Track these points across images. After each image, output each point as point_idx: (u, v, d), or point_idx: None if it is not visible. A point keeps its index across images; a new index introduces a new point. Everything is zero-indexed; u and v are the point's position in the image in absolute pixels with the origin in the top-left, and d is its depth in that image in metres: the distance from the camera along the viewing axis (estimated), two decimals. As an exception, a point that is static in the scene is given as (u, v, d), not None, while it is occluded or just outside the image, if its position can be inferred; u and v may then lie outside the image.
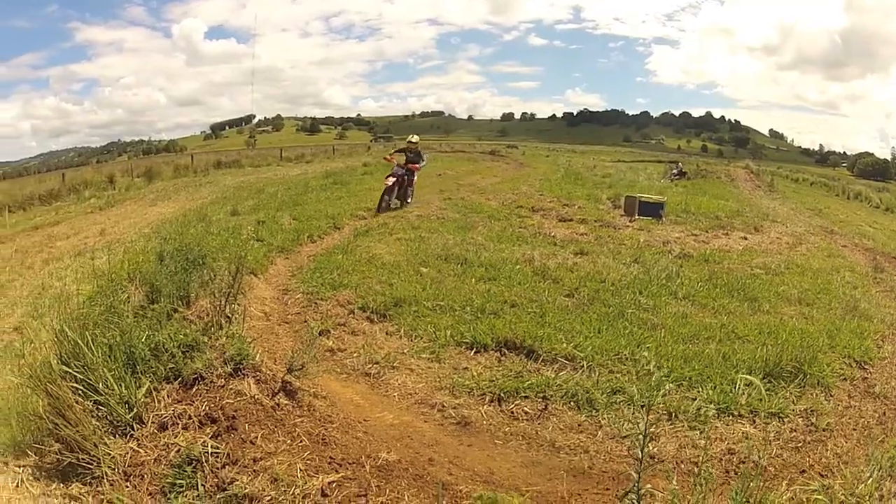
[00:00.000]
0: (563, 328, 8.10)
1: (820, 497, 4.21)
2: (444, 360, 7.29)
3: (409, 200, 18.75)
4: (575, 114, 60.00)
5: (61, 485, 4.68)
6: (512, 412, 6.20)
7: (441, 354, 7.40)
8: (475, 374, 6.94)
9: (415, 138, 19.69)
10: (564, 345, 7.47)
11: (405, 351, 7.55)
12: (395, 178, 18.11)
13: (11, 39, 55.93)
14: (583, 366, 7.05)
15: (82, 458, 4.71)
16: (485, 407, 6.28)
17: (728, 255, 14.07)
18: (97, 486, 4.63)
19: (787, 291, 10.92)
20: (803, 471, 5.23)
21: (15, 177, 41.61)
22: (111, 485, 4.61)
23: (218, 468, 4.66)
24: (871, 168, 52.57)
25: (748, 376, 5.49)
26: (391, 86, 72.27)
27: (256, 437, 4.94)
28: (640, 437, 3.61)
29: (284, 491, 4.40)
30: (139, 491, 4.59)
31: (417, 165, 19.08)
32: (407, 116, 60.87)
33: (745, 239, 16.29)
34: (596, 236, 15.61)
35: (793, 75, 66.01)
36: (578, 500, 4.70)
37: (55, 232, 18.62)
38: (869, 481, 4.27)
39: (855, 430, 6.19)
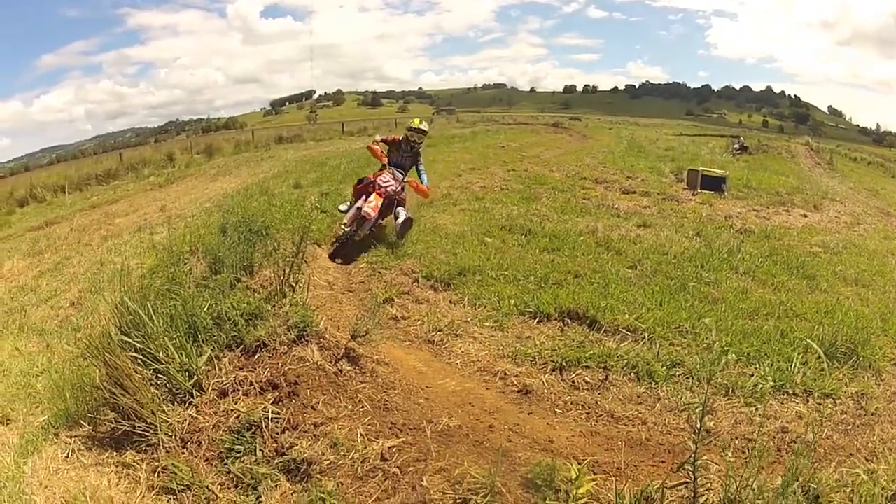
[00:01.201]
0: (625, 299, 8.08)
1: (866, 480, 4.22)
2: (507, 329, 7.28)
3: (401, 219, 10.60)
4: (637, 86, 59.06)
5: (115, 453, 4.84)
6: (573, 381, 6.20)
7: (504, 323, 7.39)
8: (537, 343, 6.93)
9: (425, 125, 11.51)
10: (626, 316, 7.46)
11: (468, 319, 7.55)
12: (382, 199, 10.52)
13: (61, 29, 56.11)
14: (644, 338, 7.02)
15: (138, 427, 4.85)
16: (546, 376, 6.29)
17: (788, 232, 13.73)
18: (152, 454, 4.78)
19: (845, 271, 10.69)
20: (851, 454, 5.18)
21: (70, 159, 41.54)
22: (167, 451, 4.76)
23: (278, 433, 4.78)
24: (922, 150, 51.22)
25: (812, 342, 5.42)
26: (452, 59, 71.66)
27: (318, 403, 5.02)
28: (699, 409, 3.64)
29: (344, 455, 4.50)
30: (196, 457, 4.72)
31: (415, 182, 11.22)
32: (469, 89, 60.02)
33: (805, 216, 15.88)
34: (659, 209, 15.32)
35: (850, 51, 64.22)
36: (634, 470, 4.69)
37: (114, 209, 19.03)
38: None
39: (902, 416, 6.08)
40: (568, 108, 56.68)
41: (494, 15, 64.57)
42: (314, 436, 4.70)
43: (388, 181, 10.72)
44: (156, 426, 4.85)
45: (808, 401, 6.03)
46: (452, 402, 5.49)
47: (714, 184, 18.29)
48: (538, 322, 7.53)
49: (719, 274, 9.83)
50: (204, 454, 4.72)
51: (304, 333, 5.73)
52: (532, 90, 60.16)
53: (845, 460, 4.99)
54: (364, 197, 10.54)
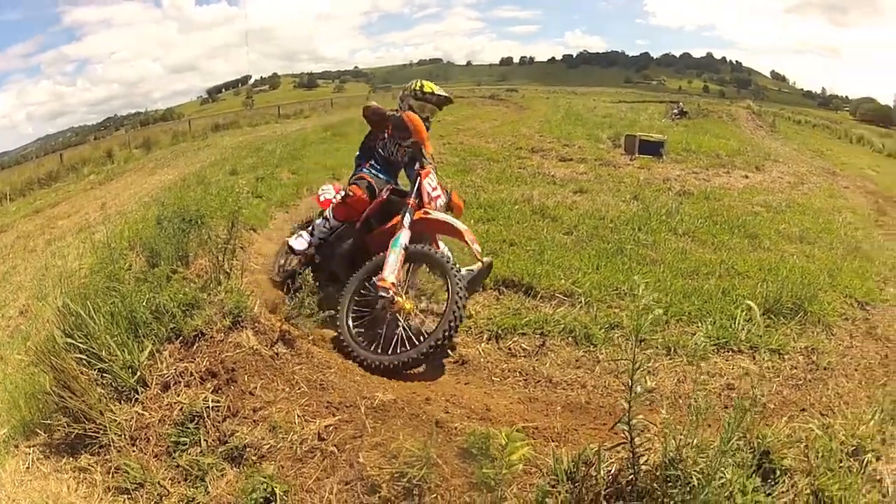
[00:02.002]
0: (561, 265, 8.08)
1: (821, 435, 4.16)
2: (443, 302, 7.09)
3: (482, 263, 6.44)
4: (574, 56, 59.63)
5: (71, 458, 4.74)
6: (510, 349, 6.27)
7: (440, 296, 7.10)
8: (473, 312, 6.93)
9: (443, 91, 7.24)
10: (562, 281, 7.47)
11: None
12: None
13: (3, 33, 55.29)
14: (581, 302, 7.06)
15: (89, 428, 4.76)
16: (483, 345, 6.34)
17: (729, 193, 13.95)
18: (105, 455, 4.68)
19: (788, 230, 10.90)
20: (804, 409, 5.22)
21: (13, 165, 41.11)
22: (118, 451, 4.66)
23: (219, 422, 4.70)
24: (872, 113, 52.44)
25: (749, 302, 5.41)
26: (388, 36, 71.40)
27: (256, 388, 4.94)
28: (631, 366, 3.54)
29: (283, 438, 4.43)
30: (145, 454, 4.63)
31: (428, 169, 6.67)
32: (405, 65, 60.14)
33: (747, 178, 16.22)
34: (596, 175, 15.50)
35: (796, 18, 65.53)
36: (574, 434, 4.66)
37: (56, 212, 18.65)
38: (871, 423, 4.18)
39: (857, 370, 6.17)
40: (505, 81, 56.98)
41: None
42: (254, 421, 4.64)
43: (437, 190, 6.64)
44: (105, 426, 4.77)
45: (754, 357, 6.08)
46: (388, 378, 5.46)
47: (652, 148, 18.53)
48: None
49: (658, 236, 9.93)
50: (153, 450, 4.65)
51: (240, 319, 5.59)
52: (468, 63, 60.38)
53: (797, 415, 5.00)
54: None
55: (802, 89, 57.27)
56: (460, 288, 5.67)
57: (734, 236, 10.32)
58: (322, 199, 7.70)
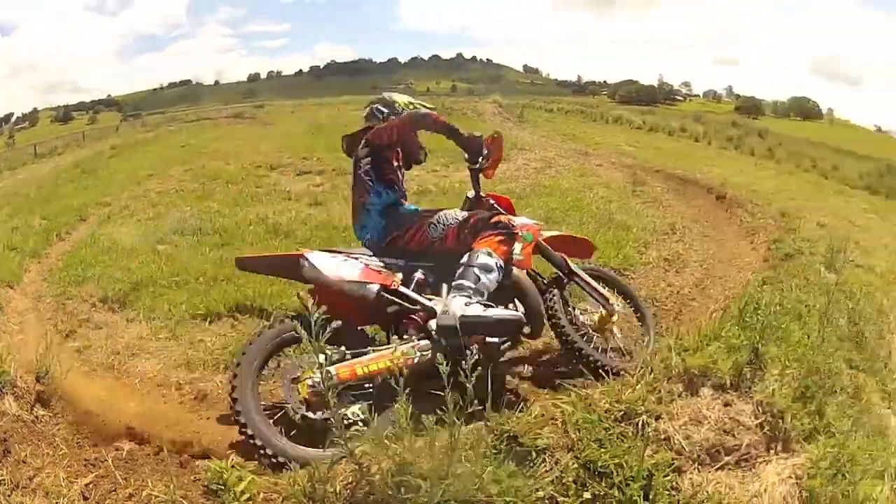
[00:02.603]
0: (293, 282, 7.86)
1: (572, 410, 4.10)
2: (180, 337, 7.27)
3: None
4: (322, 67, 60.22)
5: None
6: None
7: (177, 332, 7.38)
8: (209, 345, 6.96)
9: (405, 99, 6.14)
10: (294, 299, 7.25)
11: (144, 335, 7.43)
12: None
13: None
14: None
15: None
16: (219, 377, 6.22)
17: (468, 186, 14.14)
18: None
19: (533, 213, 11.01)
20: (560, 384, 5.22)
21: None
22: None
23: (8, 495, 4.33)
24: (635, 94, 56.06)
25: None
26: (142, 59, 70.56)
27: (27, 455, 4.66)
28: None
29: (55, 502, 4.24)
30: None
31: None
32: (155, 90, 59.31)
33: (490, 169, 16.74)
34: (332, 185, 16.06)
35: (559, 13, 69.41)
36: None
37: None
38: (637, 386, 4.25)
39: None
40: (253, 97, 57.16)
41: (185, 8, 64.04)
42: (32, 490, 4.38)
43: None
44: None
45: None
46: (136, 425, 5.27)
47: None
48: (209, 323, 7.60)
49: None
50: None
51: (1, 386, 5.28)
52: (216, 83, 60.23)
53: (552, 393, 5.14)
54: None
55: (556, 79, 60.26)
56: None
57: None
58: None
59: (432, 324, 4.81)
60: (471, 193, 6.11)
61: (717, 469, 3.92)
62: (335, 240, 10.12)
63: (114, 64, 64.79)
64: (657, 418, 4.03)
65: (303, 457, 4.19)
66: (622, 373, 4.79)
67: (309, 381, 4.48)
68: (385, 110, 5.92)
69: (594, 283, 6.10)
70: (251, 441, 4.39)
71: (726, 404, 4.30)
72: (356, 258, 5.15)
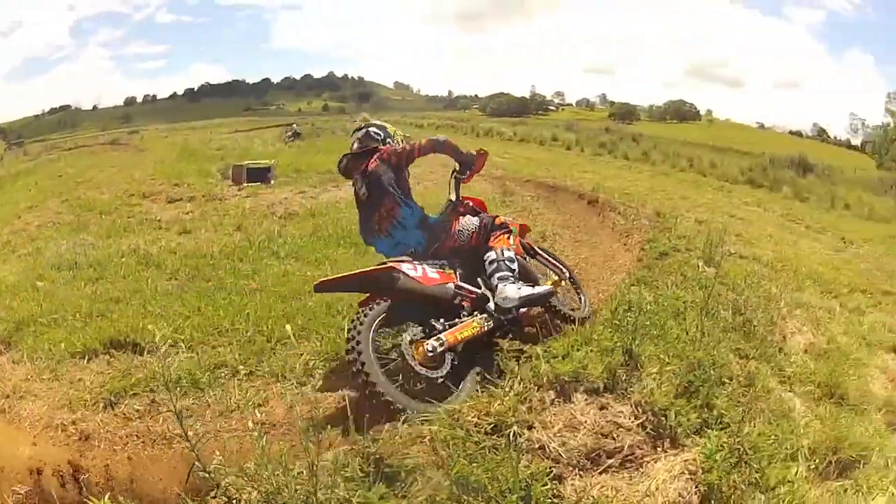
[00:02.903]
0: (164, 314, 8.12)
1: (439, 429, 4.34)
2: (62, 377, 6.98)
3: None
4: (196, 89, 59.25)
5: None
6: (124, 414, 6.08)
7: (59, 371, 7.08)
8: (88, 383, 6.73)
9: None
10: (166, 330, 7.19)
11: (30, 377, 7.10)
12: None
13: None
14: (183, 348, 7.10)
15: None
16: (100, 415, 6.09)
17: (336, 207, 14.77)
18: None
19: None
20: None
21: None
22: None
23: None
24: (507, 106, 56.52)
25: (288, 325, 5.82)
26: (28, 83, 67.64)
27: None
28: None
29: None
30: None
31: None
32: (37, 115, 57.12)
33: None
34: (202, 212, 15.96)
35: (430, 28, 69.71)
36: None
37: None
38: (506, 398, 4.37)
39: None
40: (129, 122, 55.59)
41: (68, 30, 61.87)
42: None
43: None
44: None
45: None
46: (26, 473, 5.19)
47: (260, 175, 19.80)
48: (88, 360, 7.26)
49: (258, 264, 10.41)
50: None
51: None
52: (94, 108, 58.32)
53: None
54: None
55: (427, 95, 60.47)
56: None
57: (339, 248, 10.96)
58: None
59: (490, 305, 6.01)
60: (453, 197, 6.86)
61: (600, 473, 4.07)
62: (203, 269, 10.23)
63: (2, 88, 61.97)
64: (530, 428, 4.15)
65: (413, 406, 4.81)
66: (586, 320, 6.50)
67: (428, 346, 5.30)
68: (381, 133, 6.71)
69: (550, 258, 7.58)
70: (377, 393, 4.89)
71: (602, 408, 4.48)
72: (424, 266, 6.00)
